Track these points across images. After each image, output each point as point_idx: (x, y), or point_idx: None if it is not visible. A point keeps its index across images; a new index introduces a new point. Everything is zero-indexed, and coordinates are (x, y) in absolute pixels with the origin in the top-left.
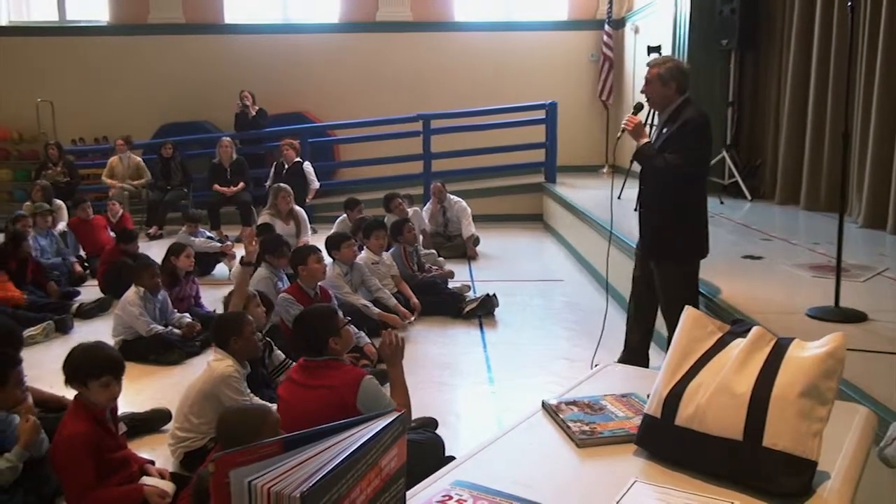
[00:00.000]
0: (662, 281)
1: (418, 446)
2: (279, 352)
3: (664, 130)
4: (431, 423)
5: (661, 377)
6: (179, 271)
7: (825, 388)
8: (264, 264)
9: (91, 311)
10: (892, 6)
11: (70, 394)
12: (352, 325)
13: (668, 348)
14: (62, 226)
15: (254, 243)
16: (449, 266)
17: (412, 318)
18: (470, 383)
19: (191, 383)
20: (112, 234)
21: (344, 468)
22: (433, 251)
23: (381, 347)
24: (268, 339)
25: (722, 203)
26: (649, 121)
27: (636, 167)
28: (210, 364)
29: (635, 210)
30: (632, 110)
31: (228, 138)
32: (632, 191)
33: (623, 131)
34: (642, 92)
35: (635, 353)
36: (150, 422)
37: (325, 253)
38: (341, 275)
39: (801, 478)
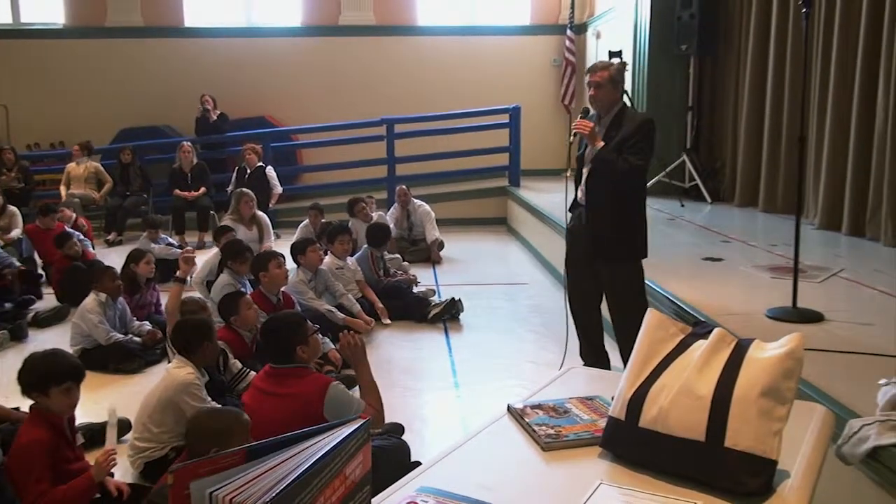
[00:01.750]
0: (618, 281)
1: (384, 452)
2: (235, 360)
3: (612, 133)
4: (397, 429)
5: (625, 379)
6: (140, 278)
7: (785, 388)
8: (227, 271)
9: (47, 320)
10: (845, 13)
11: (24, 405)
12: (318, 334)
13: (619, 347)
14: (17, 232)
15: (191, 261)
16: (413, 270)
17: (386, 322)
18: (435, 388)
19: (149, 392)
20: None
21: (308, 477)
22: (397, 256)
23: (341, 350)
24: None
25: (682, 206)
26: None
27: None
28: (169, 371)
29: (569, 210)
30: (579, 115)
31: (189, 143)
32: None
33: (575, 135)
34: (591, 96)
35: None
36: None
37: (290, 259)
38: (304, 281)
39: (762, 477)
